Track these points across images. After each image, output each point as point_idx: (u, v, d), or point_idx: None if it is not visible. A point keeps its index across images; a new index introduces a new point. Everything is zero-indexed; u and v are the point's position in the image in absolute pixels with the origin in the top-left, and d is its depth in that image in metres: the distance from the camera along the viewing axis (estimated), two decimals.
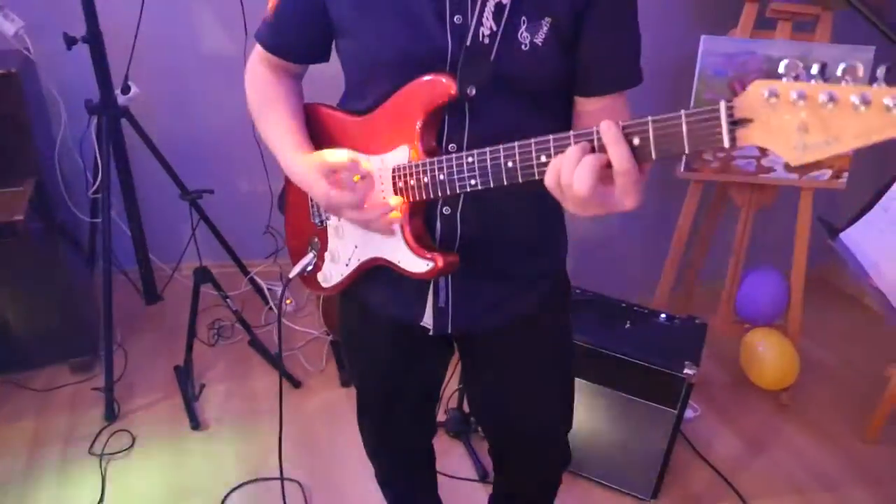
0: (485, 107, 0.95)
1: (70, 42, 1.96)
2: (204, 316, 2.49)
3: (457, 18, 0.93)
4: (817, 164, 2.15)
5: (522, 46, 0.93)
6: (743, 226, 2.35)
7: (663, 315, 1.91)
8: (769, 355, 2.29)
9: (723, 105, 0.69)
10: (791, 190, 2.25)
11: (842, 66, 0.62)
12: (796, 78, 0.64)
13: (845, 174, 2.15)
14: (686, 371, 1.70)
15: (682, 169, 2.20)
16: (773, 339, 2.31)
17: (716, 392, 2.39)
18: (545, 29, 0.93)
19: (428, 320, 1.10)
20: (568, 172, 0.79)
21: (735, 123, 0.69)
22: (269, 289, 2.63)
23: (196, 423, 2.08)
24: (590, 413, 1.86)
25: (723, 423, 2.26)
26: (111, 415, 2.08)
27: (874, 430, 2.17)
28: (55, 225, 2.15)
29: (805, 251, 2.25)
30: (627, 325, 1.87)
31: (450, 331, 1.11)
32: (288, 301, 2.65)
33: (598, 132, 0.77)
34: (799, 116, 0.64)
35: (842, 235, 1.19)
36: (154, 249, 2.54)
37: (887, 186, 1.16)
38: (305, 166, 1.01)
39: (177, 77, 2.47)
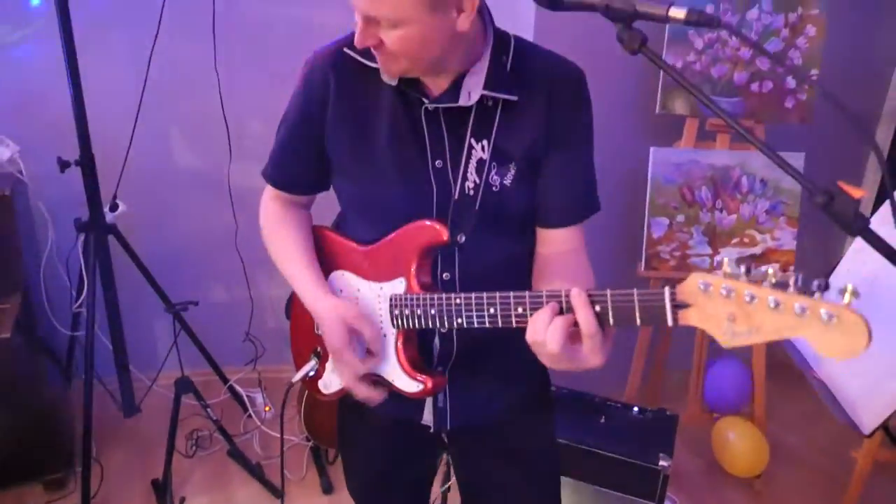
0: (472, 243, 1.09)
1: (63, 166, 2.06)
2: (182, 426, 2.47)
3: (438, 163, 1.07)
4: (765, 259, 2.33)
5: (493, 188, 1.07)
6: None
7: (636, 408, 2.00)
8: (739, 444, 2.38)
9: (667, 291, 0.83)
10: None
11: (771, 269, 0.75)
12: (728, 275, 0.78)
13: (791, 268, 2.33)
14: (661, 463, 1.77)
15: (642, 268, 2.36)
16: (741, 427, 2.40)
17: (692, 482, 2.45)
18: (512, 172, 1.08)
19: (428, 418, 1.20)
20: (541, 331, 0.91)
21: (677, 306, 0.82)
22: (248, 396, 2.65)
23: None
24: None
25: None
26: None
27: None
28: (36, 339, 2.17)
29: None
30: (602, 420, 1.95)
31: (448, 427, 1.20)
32: (267, 408, 2.66)
33: (566, 294, 0.91)
34: (728, 308, 0.78)
35: None
36: (133, 360, 2.55)
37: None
38: (333, 313, 1.11)
39: (162, 192, 2.57)
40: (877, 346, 0.97)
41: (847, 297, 0.70)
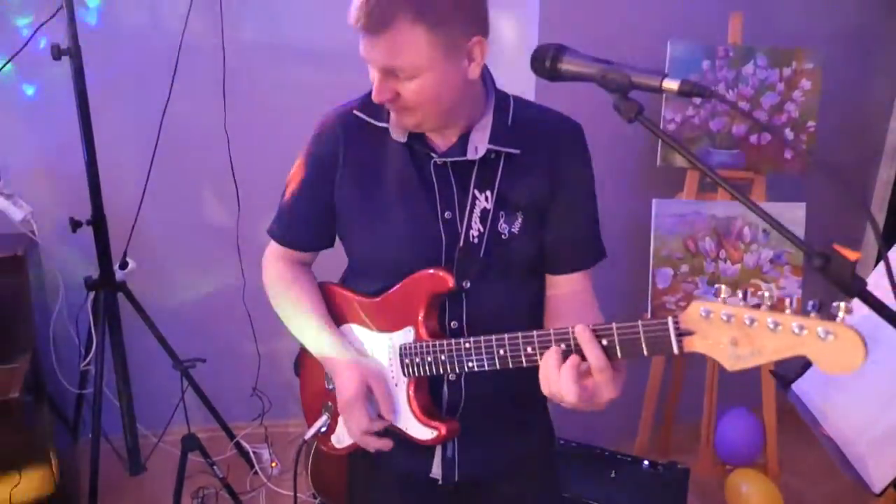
0: (478, 291, 1.11)
1: (75, 226, 2.10)
2: (188, 483, 2.45)
3: (447, 214, 1.11)
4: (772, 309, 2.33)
5: (502, 236, 1.11)
6: (712, 368, 2.48)
7: (646, 462, 1.97)
8: (753, 497, 2.33)
9: (670, 320, 0.86)
10: None
11: (768, 293, 0.79)
12: (731, 301, 0.81)
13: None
14: None
15: (648, 317, 2.36)
16: (755, 479, 2.36)
17: None
18: (519, 221, 1.11)
19: (437, 471, 1.20)
20: (554, 382, 0.93)
21: (681, 334, 0.85)
22: (254, 452, 2.62)
23: None
24: None
25: None
26: None
27: None
28: (45, 398, 2.17)
29: (773, 391, 2.37)
30: (613, 475, 1.93)
31: (457, 479, 1.20)
32: (273, 464, 2.63)
33: (573, 332, 0.92)
34: (730, 332, 0.80)
35: (793, 386, 1.31)
36: (139, 416, 2.55)
37: None
38: (352, 371, 1.13)
39: (171, 249, 2.61)
40: (883, 403, 0.98)
41: (841, 314, 0.74)
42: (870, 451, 1.01)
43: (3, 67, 2.16)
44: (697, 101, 2.27)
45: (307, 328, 1.20)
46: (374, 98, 1.04)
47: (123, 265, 2.28)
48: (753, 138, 2.29)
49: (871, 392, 1.11)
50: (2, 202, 2.11)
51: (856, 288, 0.75)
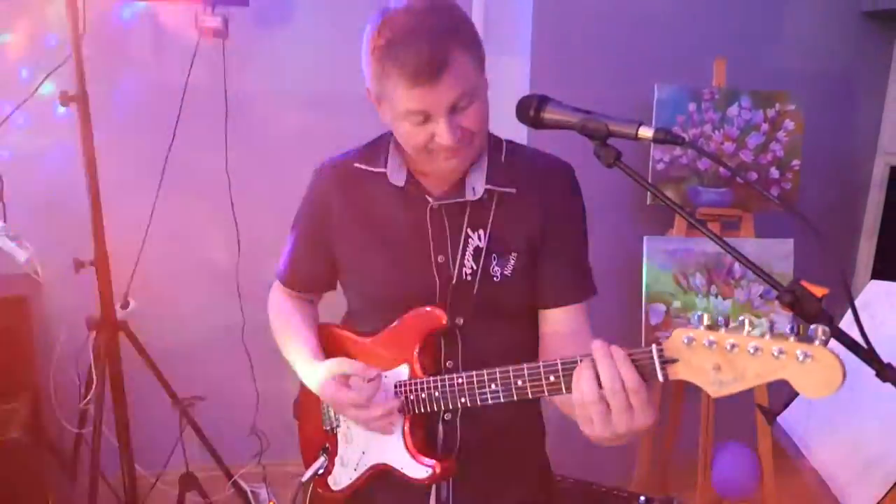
0: (473, 330, 1.15)
1: (79, 267, 2.14)
2: None
3: (440, 258, 1.15)
4: None
5: (495, 279, 1.14)
6: (707, 402, 2.50)
7: (643, 497, 1.98)
8: None
9: (654, 348, 0.88)
10: None
11: (748, 319, 0.82)
12: (710, 327, 0.84)
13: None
14: None
15: None
16: None
17: None
18: (512, 262, 1.15)
19: None
20: (611, 375, 0.88)
21: (665, 362, 0.87)
22: (252, 492, 2.62)
23: None
24: None
25: None
26: None
27: None
28: (44, 438, 2.19)
29: (768, 425, 2.38)
30: None
31: None
32: (271, 503, 2.63)
33: (580, 357, 0.92)
34: (712, 359, 0.83)
35: (779, 419, 1.34)
36: (136, 455, 2.55)
37: None
38: (321, 371, 1.16)
39: (172, 289, 2.64)
40: (864, 434, 1.01)
41: (819, 337, 0.76)
42: (850, 482, 1.03)
43: (11, 115, 2.24)
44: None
45: (299, 360, 1.24)
46: (449, 140, 1.04)
47: (125, 305, 2.31)
48: (740, 177, 2.35)
49: (855, 423, 1.14)
50: (6, 243, 2.15)
51: (823, 322, 0.79)
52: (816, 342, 0.75)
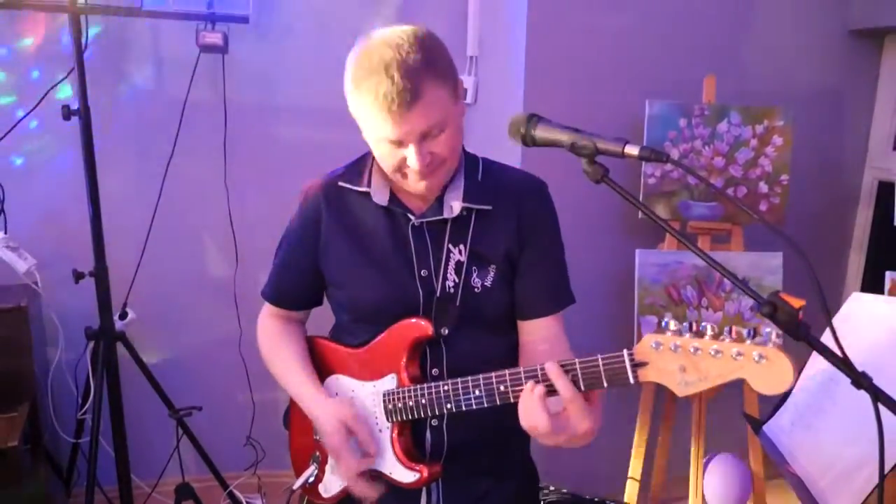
0: (457, 339, 1.19)
1: (78, 277, 2.17)
2: None
3: (423, 272, 1.20)
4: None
5: (475, 290, 1.19)
6: (698, 413, 2.52)
7: None
8: None
9: (625, 353, 0.95)
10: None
11: (710, 325, 0.90)
12: (675, 332, 0.91)
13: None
14: None
15: None
16: None
17: None
18: (492, 274, 1.20)
19: None
20: (530, 413, 1.01)
21: (636, 365, 0.94)
22: (248, 502, 2.63)
23: None
24: None
25: None
26: None
27: None
28: (41, 447, 2.20)
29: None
30: None
31: None
32: None
33: (541, 369, 1.01)
34: (678, 361, 0.90)
35: (764, 428, 1.37)
36: (133, 465, 2.56)
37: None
38: (330, 416, 1.20)
39: (170, 299, 2.67)
40: (844, 440, 1.04)
41: (773, 339, 0.85)
42: (831, 488, 1.07)
43: (13, 127, 2.27)
44: (675, 156, 2.38)
45: (294, 382, 1.28)
46: (418, 166, 1.10)
47: (123, 315, 2.34)
48: (730, 191, 2.40)
49: (836, 431, 1.17)
50: (7, 254, 2.18)
51: (801, 333, 0.83)
52: (770, 345, 0.82)
